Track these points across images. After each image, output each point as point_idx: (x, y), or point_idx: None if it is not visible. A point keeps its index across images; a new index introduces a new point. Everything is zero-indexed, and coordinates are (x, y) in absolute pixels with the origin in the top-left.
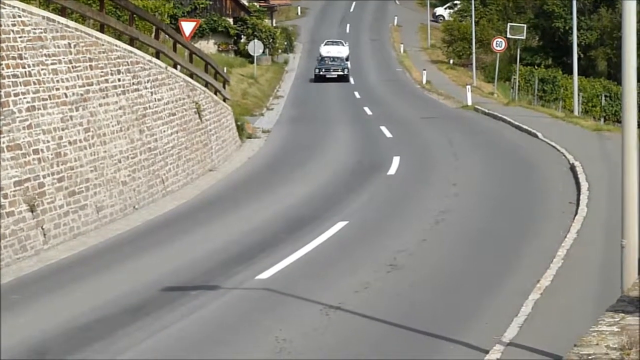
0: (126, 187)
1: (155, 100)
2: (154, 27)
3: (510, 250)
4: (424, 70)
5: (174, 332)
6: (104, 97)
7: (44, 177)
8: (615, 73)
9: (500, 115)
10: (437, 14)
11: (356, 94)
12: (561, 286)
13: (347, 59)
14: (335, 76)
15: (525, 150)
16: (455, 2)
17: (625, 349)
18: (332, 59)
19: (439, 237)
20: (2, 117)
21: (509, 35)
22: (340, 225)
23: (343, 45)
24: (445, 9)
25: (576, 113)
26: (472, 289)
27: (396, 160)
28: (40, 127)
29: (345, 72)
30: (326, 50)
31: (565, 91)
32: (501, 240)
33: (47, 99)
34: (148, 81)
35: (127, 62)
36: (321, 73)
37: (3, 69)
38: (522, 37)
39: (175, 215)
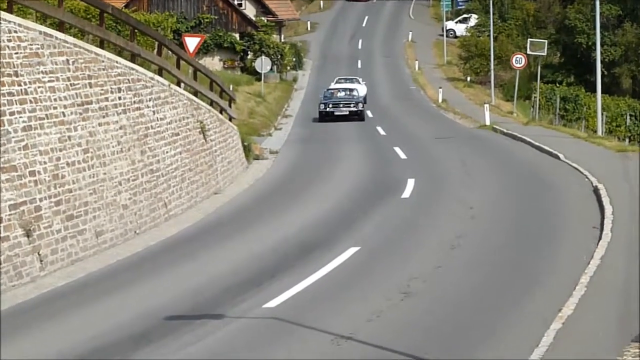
0: (127, 210)
1: (158, 120)
2: (156, 42)
3: (530, 276)
4: (440, 88)
5: None
6: (103, 117)
7: (40, 200)
8: None
9: (519, 136)
10: (447, 28)
11: (368, 112)
12: (584, 315)
13: (364, 100)
14: (347, 112)
15: (546, 172)
16: (466, 16)
17: None
18: (341, 90)
19: (455, 263)
20: None
21: (529, 52)
22: (352, 250)
23: (359, 83)
24: (457, 23)
25: (599, 133)
26: (490, 318)
27: (411, 183)
28: (36, 148)
29: (360, 108)
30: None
31: (588, 110)
32: (521, 267)
33: (44, 118)
34: (150, 99)
35: (128, 79)
36: (328, 109)
37: None
38: (542, 54)
39: (178, 240)
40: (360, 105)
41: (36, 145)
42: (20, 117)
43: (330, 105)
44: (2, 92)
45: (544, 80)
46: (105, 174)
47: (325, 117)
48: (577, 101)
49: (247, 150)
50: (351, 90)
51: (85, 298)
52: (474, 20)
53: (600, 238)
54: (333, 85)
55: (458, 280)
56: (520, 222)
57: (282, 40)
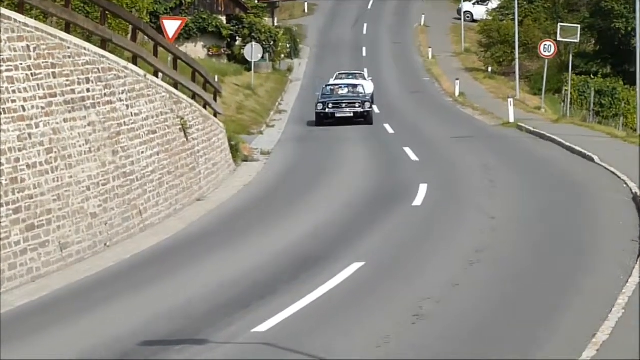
0: (96, 219)
1: (132, 115)
2: (130, 26)
3: (560, 297)
4: (457, 79)
5: None
6: (69, 111)
7: None
8: None
9: (548, 135)
10: (463, 11)
11: (375, 108)
12: (622, 341)
13: (371, 99)
14: (351, 114)
15: (579, 176)
16: None
17: None
18: (343, 87)
19: (474, 281)
20: None
21: (559, 38)
22: (355, 266)
23: (364, 78)
24: (475, 4)
25: None
26: (513, 344)
27: (423, 189)
28: None
29: (366, 109)
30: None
31: (627, 105)
32: (549, 285)
33: (0, 113)
34: (123, 92)
35: (98, 68)
36: (327, 110)
37: None
38: (575, 41)
39: (155, 254)
40: (367, 105)
41: None
42: None
43: (330, 105)
44: None
45: (576, 71)
46: (71, 177)
47: (324, 119)
48: (615, 95)
49: (234, 150)
50: (355, 86)
51: (48, 319)
52: (495, 1)
53: None
54: (333, 81)
55: (477, 300)
56: (548, 234)
57: (276, 25)
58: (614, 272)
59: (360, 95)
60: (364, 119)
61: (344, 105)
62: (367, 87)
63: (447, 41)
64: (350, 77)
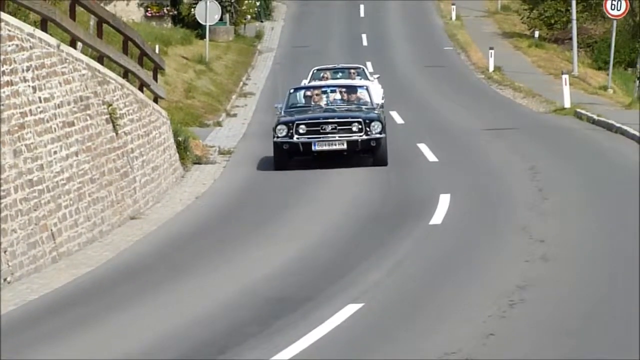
0: None
1: (41, 101)
2: None
3: (632, 353)
4: (491, 49)
5: None
6: None
7: None
8: None
9: (618, 125)
10: None
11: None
12: None
13: (381, 115)
14: (343, 146)
15: None
16: None
17: None
18: (329, 90)
19: (515, 330)
20: None
21: None
22: (350, 309)
23: (367, 76)
24: None
25: None
26: None
27: (444, 201)
28: None
29: (375, 134)
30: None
31: None
32: (619, 336)
33: None
34: (28, 69)
35: None
36: (296, 139)
37: None
38: None
39: (73, 294)
40: (376, 127)
41: None
42: None
43: (303, 129)
44: None
45: None
46: None
47: (290, 156)
48: None
49: (182, 149)
50: (352, 90)
51: None
52: None
53: None
54: (309, 82)
55: (520, 355)
56: (617, 265)
57: None
58: None
59: (364, 107)
60: (370, 153)
61: (329, 128)
62: (374, 92)
63: None
64: (340, 74)
